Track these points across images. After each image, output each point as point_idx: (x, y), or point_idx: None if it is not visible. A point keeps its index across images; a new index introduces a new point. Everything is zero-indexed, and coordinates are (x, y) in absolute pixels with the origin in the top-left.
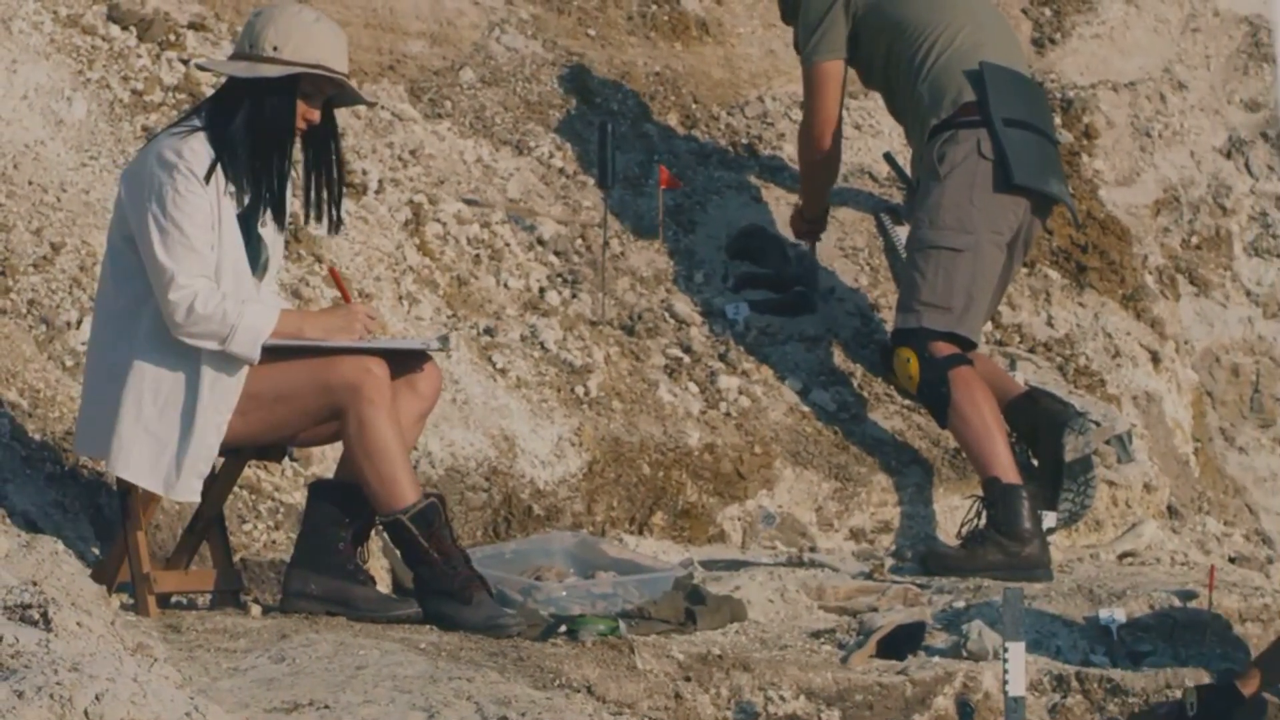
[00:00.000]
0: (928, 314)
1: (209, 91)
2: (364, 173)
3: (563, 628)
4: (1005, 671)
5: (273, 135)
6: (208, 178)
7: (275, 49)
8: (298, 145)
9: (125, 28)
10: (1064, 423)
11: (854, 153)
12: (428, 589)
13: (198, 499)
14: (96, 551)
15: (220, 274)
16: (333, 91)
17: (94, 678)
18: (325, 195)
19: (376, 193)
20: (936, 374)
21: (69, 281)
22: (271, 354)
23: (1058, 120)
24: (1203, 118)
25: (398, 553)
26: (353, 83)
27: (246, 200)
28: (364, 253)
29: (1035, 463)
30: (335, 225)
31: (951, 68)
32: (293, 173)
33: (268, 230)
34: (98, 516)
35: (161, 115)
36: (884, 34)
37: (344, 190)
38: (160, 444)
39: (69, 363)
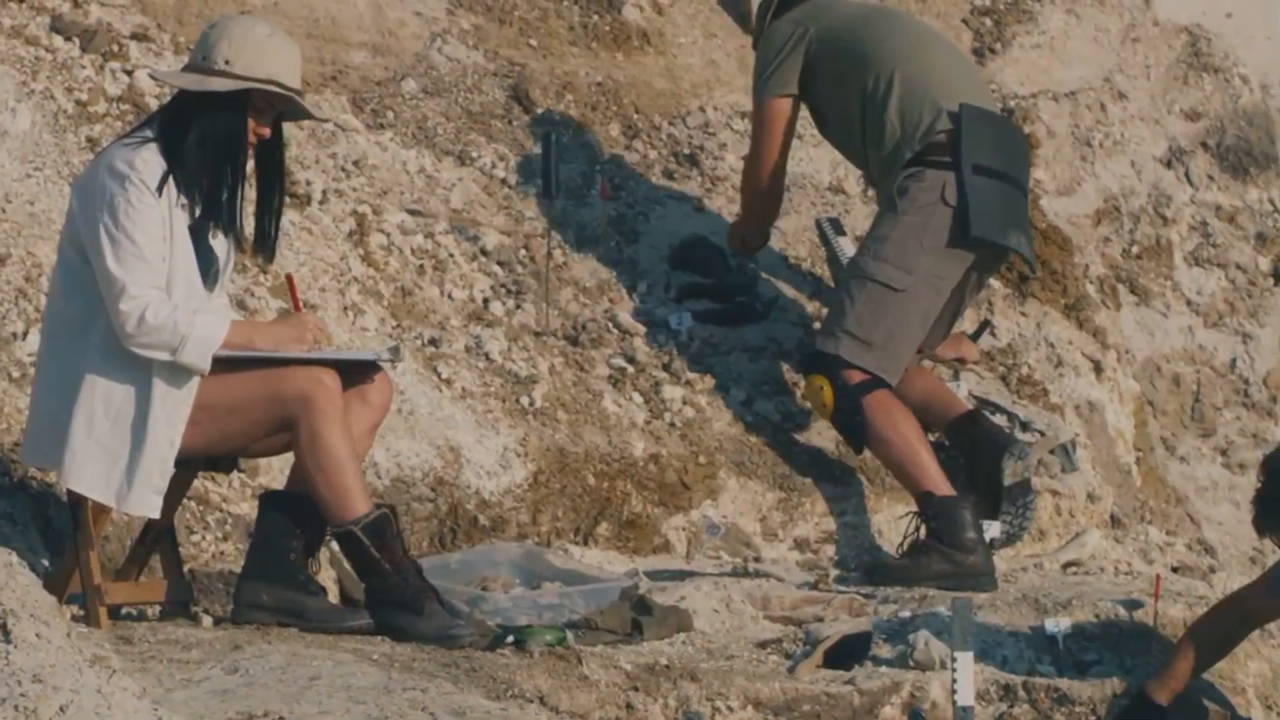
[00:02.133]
0: (846, 343)
1: (153, 102)
2: (308, 183)
3: (510, 638)
4: (954, 681)
5: (224, 149)
6: (160, 189)
7: (228, 63)
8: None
9: (68, 39)
10: (1003, 447)
11: (795, 162)
12: (379, 600)
13: (157, 514)
14: (46, 563)
15: (171, 285)
16: (284, 106)
17: (58, 689)
18: (267, 215)
19: (320, 203)
20: (851, 402)
21: (14, 293)
22: (223, 365)
23: None
24: (1143, 127)
25: (346, 564)
26: (306, 99)
27: (198, 212)
28: (309, 263)
29: (974, 483)
30: (271, 249)
31: (924, 99)
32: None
33: (219, 242)
34: (47, 528)
35: (106, 126)
36: (842, 62)
37: (282, 211)
38: (112, 457)
39: (15, 374)
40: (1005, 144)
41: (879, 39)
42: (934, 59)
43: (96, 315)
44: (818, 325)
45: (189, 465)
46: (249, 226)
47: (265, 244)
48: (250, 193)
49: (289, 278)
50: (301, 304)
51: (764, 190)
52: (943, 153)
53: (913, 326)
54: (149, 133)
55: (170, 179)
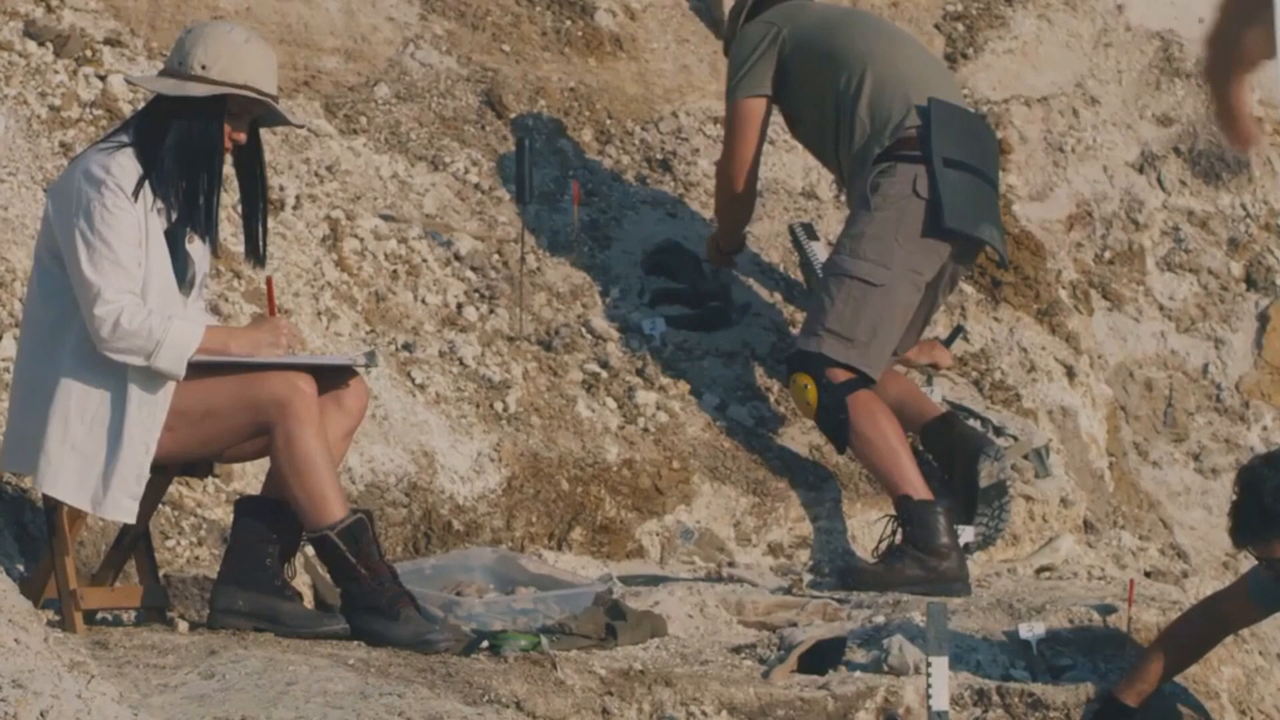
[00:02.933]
0: (829, 341)
1: (127, 108)
2: (281, 189)
3: (485, 643)
4: (929, 686)
5: (200, 154)
6: (135, 194)
7: (204, 68)
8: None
9: (42, 44)
10: (980, 449)
11: (768, 168)
12: (355, 605)
13: (132, 519)
14: (21, 569)
15: (147, 290)
16: (260, 112)
17: (38, 694)
18: (253, 222)
19: (294, 208)
20: (835, 400)
21: None
22: (198, 370)
23: None
24: (1115, 132)
25: (319, 569)
26: (281, 104)
27: (174, 217)
28: (282, 269)
29: (949, 485)
30: (261, 256)
31: (895, 94)
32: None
33: (195, 247)
34: (22, 534)
35: (79, 131)
36: (814, 63)
37: (268, 217)
38: (88, 462)
39: None
40: (975, 139)
41: (850, 39)
42: (905, 58)
43: (72, 320)
44: (795, 330)
45: (165, 470)
46: (231, 234)
47: (255, 250)
48: (227, 198)
49: (269, 281)
50: (276, 309)
51: (737, 192)
52: (913, 147)
53: (894, 321)
54: (125, 138)
55: (146, 184)
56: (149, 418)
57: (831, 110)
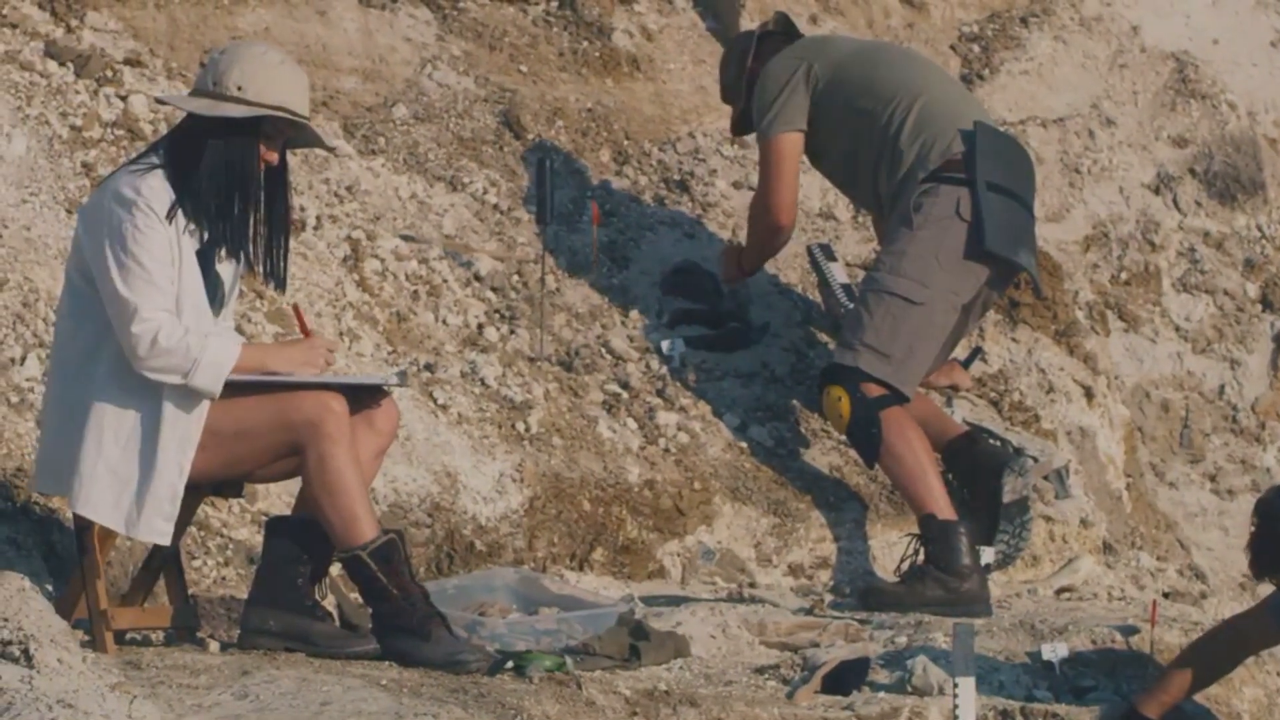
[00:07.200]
0: (865, 355)
1: (147, 128)
2: (302, 209)
3: (509, 663)
4: (955, 707)
5: (235, 175)
6: (168, 215)
7: (240, 89)
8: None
9: (63, 64)
10: (1004, 464)
11: None
12: (387, 625)
13: (167, 541)
14: (50, 588)
15: (180, 310)
16: (292, 134)
17: (88, 714)
18: (275, 245)
19: (315, 229)
20: (868, 414)
21: (12, 318)
22: (231, 390)
23: None
24: (1131, 154)
25: (345, 589)
26: (314, 126)
27: (206, 237)
28: (304, 289)
29: (972, 502)
30: (281, 278)
31: (941, 121)
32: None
33: (225, 266)
34: (50, 554)
35: (100, 151)
36: (854, 95)
37: (289, 239)
38: (122, 483)
39: (14, 399)
40: (1016, 166)
41: (891, 69)
42: (947, 87)
43: (105, 340)
44: (813, 351)
45: (196, 490)
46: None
47: (276, 274)
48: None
49: (295, 308)
50: (307, 329)
51: (779, 227)
52: (957, 169)
53: (930, 340)
54: (155, 159)
55: (178, 204)
56: (183, 438)
57: (875, 140)
